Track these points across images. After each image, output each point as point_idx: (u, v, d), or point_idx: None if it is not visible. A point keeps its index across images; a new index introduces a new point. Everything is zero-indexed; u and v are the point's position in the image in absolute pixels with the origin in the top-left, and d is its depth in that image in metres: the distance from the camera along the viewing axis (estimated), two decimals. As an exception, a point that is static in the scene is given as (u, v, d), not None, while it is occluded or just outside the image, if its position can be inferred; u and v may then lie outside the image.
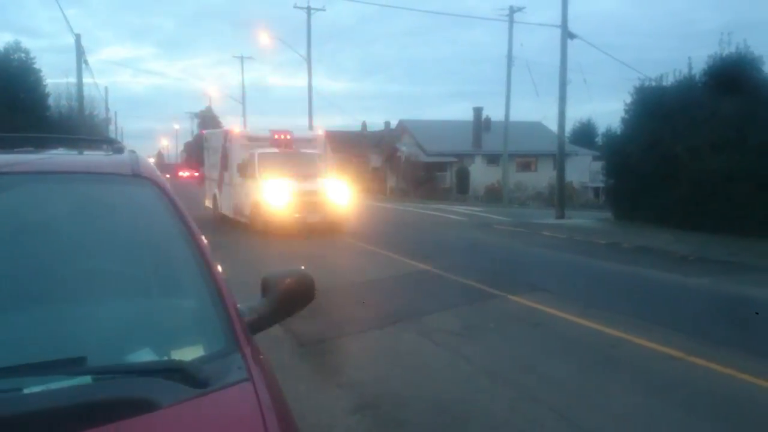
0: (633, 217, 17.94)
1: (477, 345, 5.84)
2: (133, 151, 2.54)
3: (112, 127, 58.54)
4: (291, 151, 16.17)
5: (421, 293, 8.33)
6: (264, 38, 37.03)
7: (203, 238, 2.11)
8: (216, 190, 18.38)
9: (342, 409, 4.24)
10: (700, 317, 7.04)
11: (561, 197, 21.65)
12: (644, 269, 10.31)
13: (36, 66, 31.15)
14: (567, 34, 20.91)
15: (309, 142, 17.24)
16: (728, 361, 5.26)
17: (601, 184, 26.24)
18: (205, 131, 21.54)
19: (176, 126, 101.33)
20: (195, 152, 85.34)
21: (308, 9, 34.92)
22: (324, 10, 35.59)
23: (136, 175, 2.19)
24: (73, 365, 1.50)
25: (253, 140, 16.26)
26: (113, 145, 2.64)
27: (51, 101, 35.01)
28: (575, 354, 5.62)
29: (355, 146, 58.63)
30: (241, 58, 54.86)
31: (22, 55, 30.27)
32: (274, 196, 13.95)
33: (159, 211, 2.08)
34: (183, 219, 2.07)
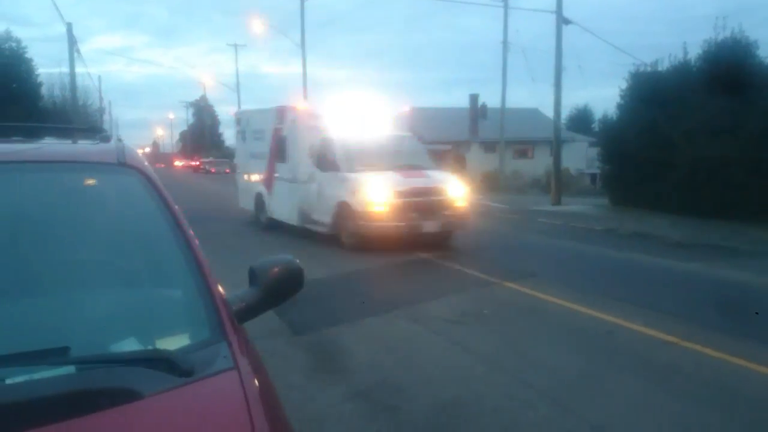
0: (629, 203, 17.96)
1: (471, 331, 5.85)
2: (119, 140, 2.52)
3: (106, 117, 58.19)
4: (383, 136, 12.15)
5: (416, 281, 8.34)
6: (257, 26, 36.73)
7: (189, 227, 2.10)
8: (261, 188, 13.79)
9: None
10: (694, 302, 7.07)
11: (558, 184, 21.65)
12: (639, 255, 10.34)
13: (28, 56, 30.94)
14: (562, 20, 20.80)
15: (392, 121, 12.95)
16: (721, 345, 5.28)
17: (597, 171, 26.23)
18: (236, 111, 16.35)
19: (171, 115, 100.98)
20: (190, 141, 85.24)
21: (302, -4, 34.59)
22: (318, -4, 35.23)
23: (121, 164, 2.17)
24: (56, 355, 1.49)
25: (323, 120, 12.12)
26: (100, 134, 2.62)
27: (44, 91, 34.84)
28: (570, 340, 5.64)
29: (351, 134, 58.38)
30: (235, 46, 54.47)
31: (13, 44, 30.04)
32: (375, 195, 10.05)
33: (145, 200, 2.07)
34: (169, 208, 2.05)
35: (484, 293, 7.48)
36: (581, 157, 41.77)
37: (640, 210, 16.91)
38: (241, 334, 1.89)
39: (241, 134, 15.36)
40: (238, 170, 16.04)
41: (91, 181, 2.12)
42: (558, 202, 20.93)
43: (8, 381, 1.39)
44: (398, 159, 11.31)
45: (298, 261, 2.10)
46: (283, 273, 2.05)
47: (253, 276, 2.03)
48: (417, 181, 10.57)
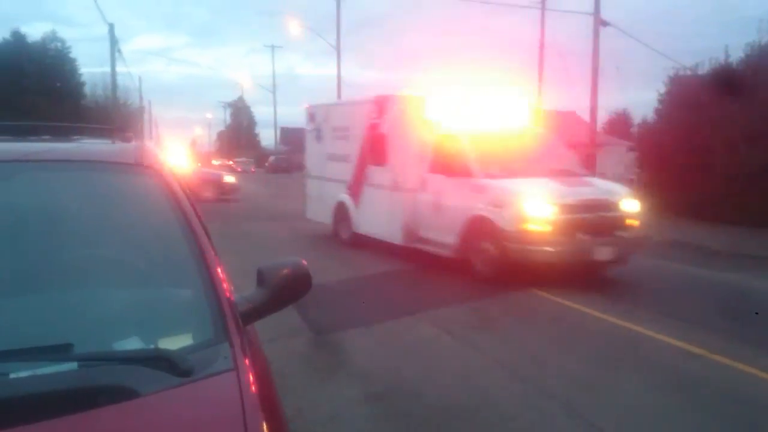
0: (666, 210, 17.52)
1: (493, 338, 5.79)
2: (141, 140, 2.58)
3: (146, 116, 59.56)
4: (519, 132, 10.05)
5: (441, 284, 8.29)
6: (294, 27, 37.16)
7: (203, 228, 2.13)
8: (344, 197, 11.29)
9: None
10: (727, 314, 6.85)
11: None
12: (674, 263, 10.07)
13: (72, 55, 31.91)
14: (599, 22, 20.45)
15: (522, 114, 10.56)
16: (752, 360, 5.11)
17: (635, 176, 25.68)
18: (310, 105, 13.29)
19: (209, 115, 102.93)
20: (227, 141, 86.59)
21: (338, -2, 34.88)
22: (354, -2, 35.42)
23: (138, 164, 2.21)
24: (59, 352, 1.53)
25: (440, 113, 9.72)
26: (123, 134, 2.68)
27: (87, 90, 35.86)
28: (594, 349, 5.53)
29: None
30: (272, 48, 55.24)
31: (59, 44, 31.07)
32: (532, 209, 7.65)
33: (158, 199, 2.10)
34: (183, 208, 2.08)
35: (507, 299, 7.39)
36: (619, 162, 40.95)
37: (678, 217, 16.47)
38: (246, 336, 1.91)
39: (315, 132, 12.66)
40: (307, 175, 13.29)
41: (106, 181, 2.16)
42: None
43: (12, 375, 1.43)
44: (544, 162, 9.11)
45: (305, 263, 2.11)
46: (292, 275, 2.05)
47: (261, 277, 2.04)
48: (584, 192, 8.22)
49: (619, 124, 57.42)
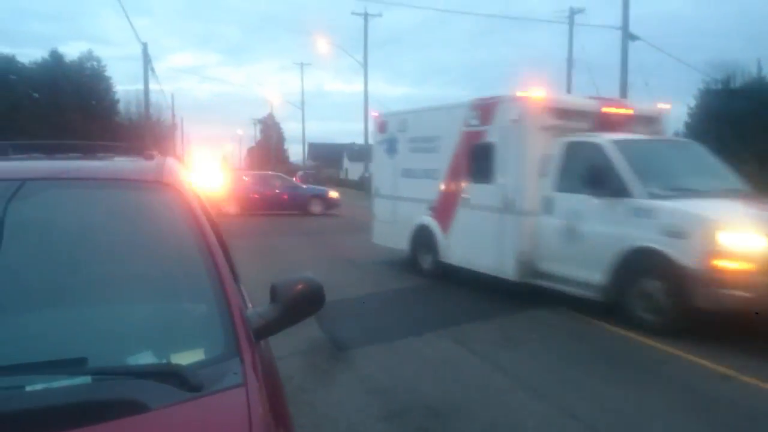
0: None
1: (516, 356, 5.72)
2: (164, 158, 2.64)
3: (178, 133, 60.79)
4: (670, 142, 9.13)
5: (466, 301, 8.23)
6: (322, 45, 37.66)
7: (220, 244, 2.17)
8: (427, 218, 9.69)
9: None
10: (759, 334, 6.64)
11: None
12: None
13: (107, 74, 32.85)
14: (628, 36, 20.29)
15: (650, 122, 8.92)
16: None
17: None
18: (381, 113, 11.94)
19: (239, 131, 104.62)
20: (257, 157, 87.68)
21: (365, 15, 35.31)
22: (380, 15, 35.99)
23: (157, 182, 2.27)
24: (73, 365, 1.58)
25: (564, 117, 8.10)
26: (147, 152, 2.75)
27: (121, 107, 36.81)
28: (619, 368, 5.43)
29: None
30: (301, 65, 56.04)
31: (95, 63, 32.02)
32: (728, 240, 6.00)
33: (176, 216, 2.15)
34: (200, 225, 2.12)
35: (533, 316, 7.30)
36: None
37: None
38: (259, 351, 1.93)
39: (386, 144, 10.92)
40: (375, 194, 11.42)
41: (126, 198, 2.22)
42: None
43: (27, 388, 1.47)
44: (709, 178, 7.63)
45: (318, 279, 2.12)
46: (304, 291, 2.06)
47: (274, 293, 2.06)
48: None
49: (650, 139, 56.66)
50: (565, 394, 4.77)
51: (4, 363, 1.55)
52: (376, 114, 11.92)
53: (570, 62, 32.77)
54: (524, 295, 8.24)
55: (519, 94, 8.14)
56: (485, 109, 8.66)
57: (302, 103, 55.60)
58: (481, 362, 5.53)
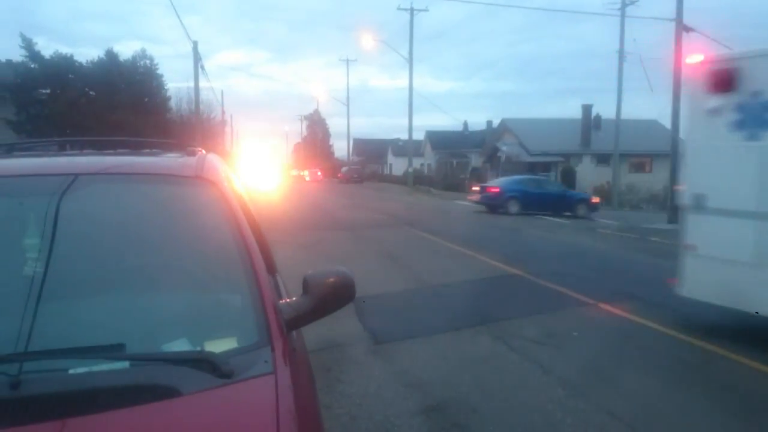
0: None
1: (557, 354, 5.65)
2: (205, 155, 2.73)
3: (227, 129, 62.12)
4: None
5: (507, 298, 8.17)
6: (368, 41, 37.83)
7: (257, 238, 2.24)
8: None
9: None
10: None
11: (674, 201, 20.33)
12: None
13: (159, 71, 33.78)
14: (682, 28, 19.61)
15: None
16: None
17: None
18: (715, 55, 6.44)
19: (286, 127, 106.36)
20: (303, 153, 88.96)
21: (411, 10, 35.21)
22: (427, 10, 35.87)
23: (198, 177, 2.36)
24: (112, 351, 1.67)
25: None
26: (191, 148, 2.85)
27: (172, 104, 37.86)
28: (662, 368, 5.29)
29: (456, 146, 58.45)
30: (347, 61, 56.36)
31: (147, 61, 32.94)
32: None
33: (214, 210, 2.23)
34: (237, 219, 2.19)
35: (576, 314, 7.19)
36: (704, 173, 38.80)
37: None
38: (291, 342, 1.99)
39: (742, 111, 5.87)
40: (695, 204, 6.27)
41: (167, 192, 2.32)
42: (674, 220, 19.63)
43: (71, 371, 1.57)
44: None
45: (350, 273, 2.16)
46: (336, 284, 2.09)
47: (306, 286, 2.11)
48: None
49: (706, 133, 54.62)
50: (604, 392, 4.69)
51: (51, 347, 1.65)
52: (702, 59, 6.38)
53: (621, 55, 31.95)
54: (562, 293, 8.13)
55: None
56: None
57: (348, 99, 56.05)
58: (519, 359, 5.49)
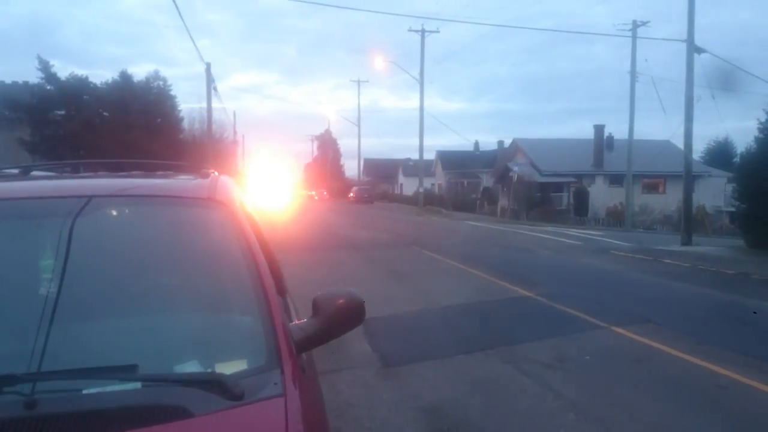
0: (764, 245, 16.31)
1: (568, 378, 5.58)
2: (218, 176, 2.77)
3: (239, 149, 62.65)
4: None
5: (518, 321, 8.10)
6: (379, 62, 38.17)
7: (268, 259, 2.25)
8: None
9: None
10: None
11: (687, 222, 20.18)
12: (774, 304, 9.33)
13: (172, 92, 34.18)
14: (693, 49, 19.63)
15: None
16: None
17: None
18: None
19: (297, 148, 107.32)
20: (313, 173, 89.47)
21: (422, 31, 35.55)
22: (438, 32, 36.12)
23: (210, 199, 2.39)
24: (125, 372, 1.68)
25: None
26: (203, 171, 2.89)
27: (185, 125, 38.24)
28: (676, 393, 5.21)
29: (467, 166, 58.54)
30: (358, 82, 56.86)
31: (161, 83, 33.32)
32: None
33: (226, 232, 2.25)
34: (248, 241, 2.21)
35: (589, 338, 7.11)
36: (719, 194, 38.61)
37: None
38: (299, 363, 1.99)
39: None
40: None
41: (179, 214, 2.35)
42: (688, 242, 19.46)
43: (84, 391, 1.59)
44: None
45: (359, 295, 2.16)
46: (345, 306, 2.09)
47: (316, 307, 2.12)
48: None
49: (720, 154, 54.32)
50: (617, 417, 4.62)
51: (64, 367, 1.67)
52: None
53: (633, 76, 32.01)
54: (574, 316, 8.06)
55: None
56: None
57: (359, 119, 56.45)
58: (531, 382, 5.43)
